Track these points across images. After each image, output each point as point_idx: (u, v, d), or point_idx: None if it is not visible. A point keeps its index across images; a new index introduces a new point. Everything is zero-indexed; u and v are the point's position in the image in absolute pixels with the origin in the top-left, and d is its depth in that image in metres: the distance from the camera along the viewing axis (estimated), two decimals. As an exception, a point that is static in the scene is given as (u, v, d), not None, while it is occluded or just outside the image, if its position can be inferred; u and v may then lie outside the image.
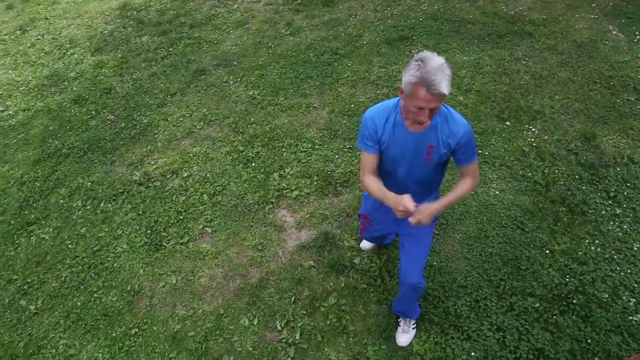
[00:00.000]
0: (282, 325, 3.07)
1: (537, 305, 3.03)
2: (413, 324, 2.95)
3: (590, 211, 3.57)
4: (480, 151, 4.08)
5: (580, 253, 3.30)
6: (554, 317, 2.96)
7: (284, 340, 3.00)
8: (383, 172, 2.36)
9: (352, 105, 4.71)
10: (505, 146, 4.12)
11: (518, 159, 4.01)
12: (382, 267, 3.30)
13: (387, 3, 6.42)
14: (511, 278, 3.18)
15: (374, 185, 2.27)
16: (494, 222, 3.54)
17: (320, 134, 4.44)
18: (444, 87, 1.87)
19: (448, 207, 2.28)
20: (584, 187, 3.73)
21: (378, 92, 4.84)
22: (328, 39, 5.80)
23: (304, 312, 3.13)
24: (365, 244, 3.46)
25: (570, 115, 4.38)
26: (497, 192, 3.74)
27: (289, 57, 5.57)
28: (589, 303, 3.02)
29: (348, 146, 4.27)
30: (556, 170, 3.87)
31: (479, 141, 4.17)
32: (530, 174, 3.87)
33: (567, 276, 3.16)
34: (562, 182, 3.78)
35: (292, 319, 3.10)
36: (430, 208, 2.13)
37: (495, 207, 3.63)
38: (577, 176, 3.81)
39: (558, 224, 3.49)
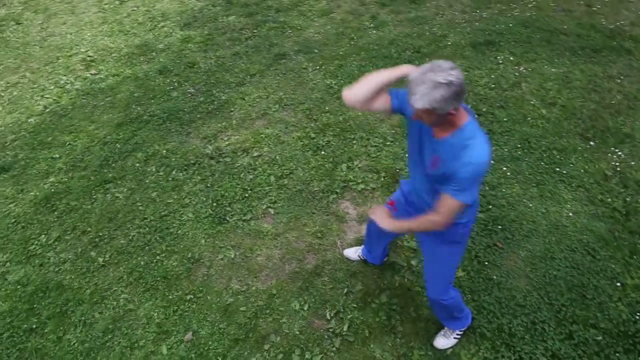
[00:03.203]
0: (332, 315, 3.09)
1: (600, 338, 2.86)
2: (456, 334, 2.88)
3: (672, 248, 3.32)
4: (557, 169, 3.89)
5: (655, 291, 3.09)
6: (617, 354, 2.79)
7: (331, 330, 3.02)
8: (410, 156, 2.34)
9: (428, 106, 4.62)
10: (586, 167, 3.91)
11: (598, 182, 3.79)
12: (439, 273, 3.24)
13: (477, 5, 6.24)
14: (574, 305, 3.03)
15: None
16: (563, 244, 3.37)
17: (393, 131, 4.40)
18: (416, 101, 1.76)
19: (402, 231, 2.21)
20: (668, 222, 3.47)
21: (456, 95, 4.72)
22: (412, 36, 5.72)
23: (355, 305, 3.13)
24: (350, 254, 3.40)
25: (663, 143, 4.08)
26: (571, 214, 3.56)
27: (370, 50, 5.54)
28: (658, 345, 2.82)
29: (419, 146, 4.21)
30: (639, 200, 3.63)
31: (557, 158, 3.98)
32: (609, 199, 3.65)
33: (638, 313, 2.96)
34: (644, 213, 3.54)
35: (342, 310, 3.11)
36: (384, 218, 2.31)
37: (566, 229, 3.46)
38: (662, 209, 3.56)
39: (634, 256, 3.27)
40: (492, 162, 3.99)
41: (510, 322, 2.97)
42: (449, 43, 5.54)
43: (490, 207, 3.65)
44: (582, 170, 3.89)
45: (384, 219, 2.32)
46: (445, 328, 2.89)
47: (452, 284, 2.59)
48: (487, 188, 3.79)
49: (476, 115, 4.46)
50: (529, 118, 4.40)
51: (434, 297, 2.55)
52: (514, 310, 3.02)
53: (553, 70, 4.98)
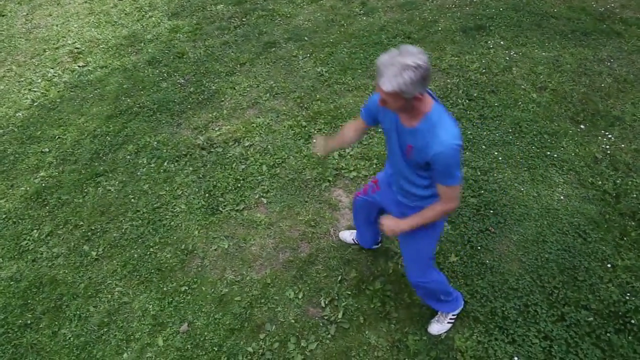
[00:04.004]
0: (326, 302, 3.11)
1: (591, 319, 2.90)
2: (449, 318, 2.91)
3: (662, 229, 3.36)
4: (548, 153, 3.91)
5: (645, 271, 3.12)
6: (608, 334, 2.83)
7: (326, 317, 3.04)
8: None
9: (419, 92, 4.61)
10: (577, 150, 3.93)
11: (589, 165, 3.81)
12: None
13: (467, -11, 6.20)
14: (566, 287, 3.06)
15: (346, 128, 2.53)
16: (554, 227, 3.40)
17: (384, 118, 4.39)
18: (384, 83, 1.80)
19: (413, 227, 2.24)
20: (658, 203, 3.51)
21: (448, 80, 4.72)
22: (402, 22, 5.69)
23: (349, 292, 3.15)
24: (346, 236, 3.43)
25: (653, 125, 4.11)
26: (562, 197, 3.59)
27: (360, 37, 5.51)
28: (649, 325, 2.86)
29: (410, 133, 4.20)
30: (630, 182, 3.65)
31: (548, 142, 3.99)
32: (600, 182, 3.68)
33: (628, 294, 3.00)
34: (634, 195, 3.56)
35: (336, 297, 3.13)
36: (394, 224, 2.27)
37: (557, 213, 3.48)
38: (652, 190, 3.59)
39: (625, 238, 3.31)
40: (483, 147, 4.01)
41: (504, 305, 3.00)
42: (440, 28, 5.52)
43: (482, 191, 3.66)
44: (572, 154, 3.90)
45: (393, 228, 2.29)
46: (439, 313, 2.92)
47: (432, 266, 2.59)
48: (478, 173, 3.80)
49: (467, 101, 4.46)
50: (520, 102, 4.41)
51: (413, 280, 2.57)
52: (506, 294, 3.05)
53: (543, 54, 4.98)
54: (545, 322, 2.90)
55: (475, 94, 4.53)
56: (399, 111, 1.97)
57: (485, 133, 4.14)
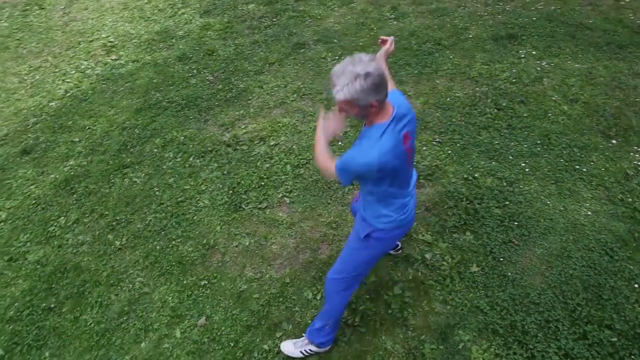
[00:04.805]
0: (344, 305, 3.10)
1: (615, 339, 2.82)
2: (306, 350, 2.83)
3: (693, 250, 3.26)
4: (577, 167, 3.83)
5: (673, 293, 3.03)
6: (632, 356, 2.75)
7: (343, 321, 3.03)
8: None
9: (447, 99, 4.58)
10: (607, 166, 3.84)
11: (619, 181, 3.72)
12: (454, 267, 3.22)
13: (501, -2, 6.14)
14: (590, 305, 2.99)
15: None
16: (580, 243, 3.33)
17: (410, 124, 4.37)
18: (337, 92, 1.86)
19: (317, 137, 2.29)
20: (690, 224, 3.40)
21: (477, 89, 4.67)
22: (432, 28, 5.65)
23: (368, 297, 3.14)
24: None
25: (688, 143, 3.99)
26: (589, 213, 3.51)
27: (389, 42, 5.49)
28: (675, 348, 2.78)
29: (437, 139, 4.17)
30: (661, 201, 3.56)
31: (577, 155, 3.92)
32: (630, 199, 3.59)
33: (655, 315, 2.93)
34: (665, 214, 3.47)
35: (354, 301, 3.11)
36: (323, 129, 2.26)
37: (584, 228, 3.41)
38: (684, 210, 3.49)
39: (654, 258, 3.22)
40: (510, 157, 3.95)
41: (524, 319, 2.95)
42: (470, 36, 5.47)
43: (507, 202, 3.61)
44: (602, 169, 3.82)
45: (324, 128, 2.27)
46: (303, 337, 2.86)
47: (351, 283, 2.56)
48: (504, 184, 3.75)
49: (496, 110, 4.40)
50: (550, 114, 4.33)
51: (329, 275, 2.56)
52: (527, 308, 3.00)
53: (576, 65, 4.89)
54: (566, 339, 2.84)
55: (504, 104, 4.47)
56: (358, 117, 2.02)
57: (512, 143, 4.08)
